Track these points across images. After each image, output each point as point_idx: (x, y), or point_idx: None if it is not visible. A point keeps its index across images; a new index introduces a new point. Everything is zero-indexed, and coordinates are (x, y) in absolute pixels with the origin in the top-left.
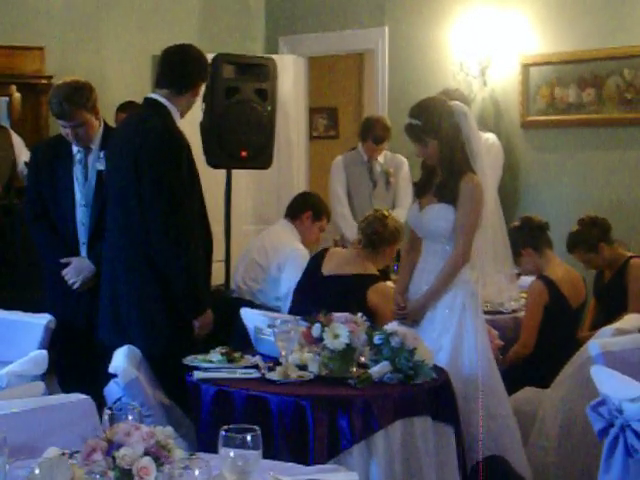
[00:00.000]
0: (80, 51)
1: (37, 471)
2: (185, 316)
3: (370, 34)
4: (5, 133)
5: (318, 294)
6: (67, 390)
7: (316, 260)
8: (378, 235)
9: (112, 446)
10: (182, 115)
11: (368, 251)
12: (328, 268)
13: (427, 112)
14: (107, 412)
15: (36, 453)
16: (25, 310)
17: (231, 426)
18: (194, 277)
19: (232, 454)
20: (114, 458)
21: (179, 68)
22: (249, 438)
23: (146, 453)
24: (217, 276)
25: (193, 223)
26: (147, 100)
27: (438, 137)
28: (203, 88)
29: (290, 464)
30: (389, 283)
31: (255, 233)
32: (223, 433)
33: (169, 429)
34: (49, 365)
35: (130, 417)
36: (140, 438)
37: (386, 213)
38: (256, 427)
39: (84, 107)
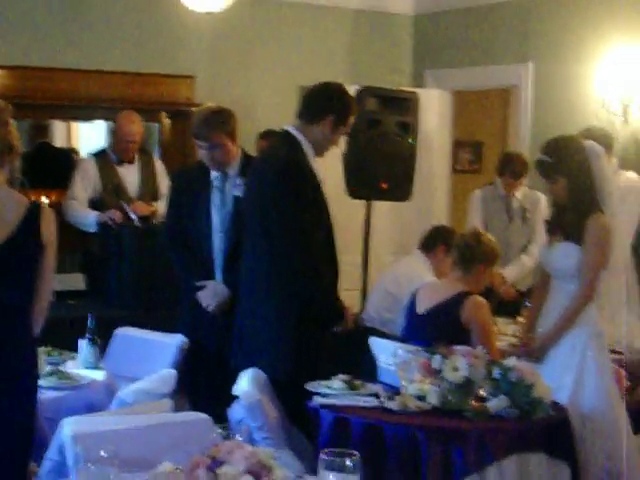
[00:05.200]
0: (228, 80)
1: None
2: (326, 327)
3: (514, 70)
4: (149, 157)
5: (417, 336)
6: (196, 409)
7: (411, 300)
8: (470, 250)
9: (215, 463)
10: (318, 148)
11: (460, 271)
12: (422, 305)
13: (558, 150)
14: (218, 431)
15: (152, 467)
16: (161, 330)
17: (331, 449)
18: (327, 290)
19: (331, 477)
20: (216, 475)
21: (309, 99)
22: (348, 462)
23: (247, 471)
24: (353, 305)
25: (318, 253)
26: (282, 131)
27: (567, 175)
28: (345, 126)
29: None
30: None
31: (394, 264)
32: (323, 456)
33: (271, 450)
34: (180, 384)
35: (238, 437)
36: (242, 457)
37: (482, 232)
38: (355, 452)
39: (222, 130)
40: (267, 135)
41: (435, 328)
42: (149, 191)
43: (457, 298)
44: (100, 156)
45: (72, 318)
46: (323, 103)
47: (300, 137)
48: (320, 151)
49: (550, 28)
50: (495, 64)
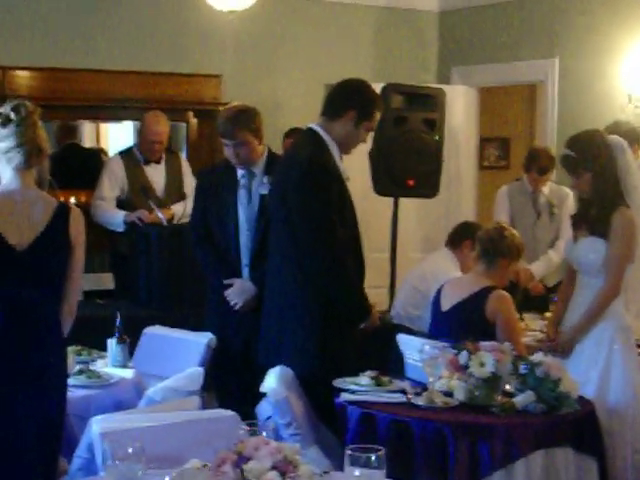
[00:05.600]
0: (255, 79)
1: (167, 479)
2: (352, 324)
3: (541, 66)
4: (175, 157)
5: (443, 332)
6: (225, 407)
7: (436, 297)
8: (494, 244)
9: (241, 459)
10: (343, 145)
11: (484, 266)
12: (446, 301)
13: (583, 144)
14: (245, 428)
15: (180, 464)
16: (189, 328)
17: (357, 445)
18: (353, 288)
19: (357, 473)
20: (242, 471)
21: (331, 96)
22: (373, 458)
23: (273, 467)
24: (381, 302)
25: (343, 251)
26: (306, 129)
27: (592, 170)
28: (370, 122)
29: None
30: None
31: (421, 261)
32: (349, 452)
33: (296, 446)
34: (208, 382)
35: (264, 433)
36: (268, 453)
37: (505, 226)
38: (381, 447)
39: (247, 128)
40: (293, 133)
41: (460, 324)
42: (175, 190)
43: (481, 293)
44: (127, 156)
45: (101, 317)
46: (344, 98)
47: (324, 135)
48: (345, 148)
49: (576, 23)
50: (521, 60)
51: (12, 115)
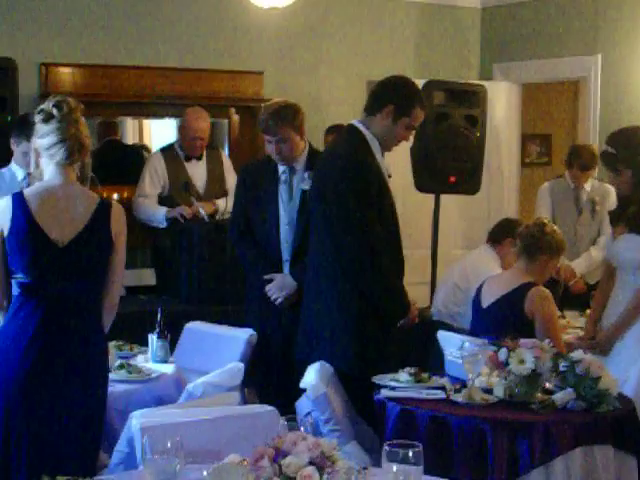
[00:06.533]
0: (297, 75)
1: (205, 473)
2: (391, 321)
3: (583, 62)
4: (216, 153)
5: (483, 329)
6: (265, 402)
7: (477, 293)
8: (534, 240)
9: (279, 454)
10: (384, 142)
11: (524, 262)
12: (486, 298)
13: (623, 141)
14: (283, 423)
15: (219, 459)
16: (229, 323)
17: (394, 441)
18: (391, 284)
19: (395, 469)
20: (280, 466)
21: (372, 92)
22: (411, 454)
23: (311, 462)
24: (422, 298)
25: (382, 248)
26: (347, 125)
27: (632, 167)
28: (410, 118)
29: None
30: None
31: (462, 258)
32: (386, 448)
33: (334, 441)
34: (250, 378)
35: (302, 428)
36: (306, 448)
37: (546, 222)
38: (418, 443)
39: (289, 124)
40: (334, 130)
41: (499, 320)
42: (217, 187)
43: (520, 289)
44: (168, 152)
45: (142, 313)
46: (383, 93)
47: (365, 131)
48: (386, 145)
49: (619, 19)
50: (563, 56)
51: (54, 111)
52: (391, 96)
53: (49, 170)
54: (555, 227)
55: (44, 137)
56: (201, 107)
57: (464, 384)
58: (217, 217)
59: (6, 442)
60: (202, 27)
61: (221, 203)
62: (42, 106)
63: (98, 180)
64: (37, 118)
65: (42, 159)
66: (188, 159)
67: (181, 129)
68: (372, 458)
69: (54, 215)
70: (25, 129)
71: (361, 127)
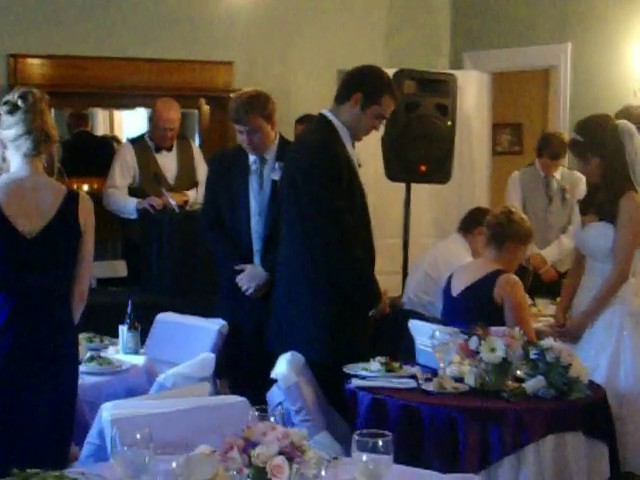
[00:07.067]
0: (267, 65)
1: (174, 465)
2: (363, 310)
3: (553, 50)
4: (187, 144)
5: (454, 317)
6: (237, 393)
7: (447, 283)
8: (502, 228)
9: (248, 444)
10: (353, 131)
11: (493, 250)
12: (456, 287)
13: (591, 129)
14: (254, 414)
15: (190, 450)
16: (200, 314)
17: (364, 431)
18: (363, 274)
19: (364, 458)
20: (249, 456)
21: (341, 81)
22: (381, 443)
23: (280, 452)
24: (393, 287)
25: (352, 237)
26: (318, 115)
27: (600, 155)
28: (379, 106)
29: (425, 471)
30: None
31: (433, 247)
32: (356, 437)
33: (304, 431)
34: (221, 368)
35: (272, 419)
36: (275, 438)
37: (513, 210)
38: (388, 432)
39: (260, 114)
40: (304, 120)
41: (469, 308)
42: (187, 177)
43: (490, 277)
44: (138, 143)
45: (113, 304)
46: (352, 81)
47: (335, 120)
48: (356, 134)
49: (588, 7)
50: (534, 45)
51: (19, 102)
52: (359, 84)
53: (15, 162)
54: (522, 215)
55: (10, 128)
56: (171, 98)
57: (435, 373)
58: (187, 208)
59: None
60: (172, 17)
61: (192, 194)
62: (7, 97)
63: (67, 171)
64: (2, 110)
65: (8, 151)
66: (158, 150)
67: (151, 120)
68: (344, 448)
69: (22, 207)
70: None
71: (331, 116)
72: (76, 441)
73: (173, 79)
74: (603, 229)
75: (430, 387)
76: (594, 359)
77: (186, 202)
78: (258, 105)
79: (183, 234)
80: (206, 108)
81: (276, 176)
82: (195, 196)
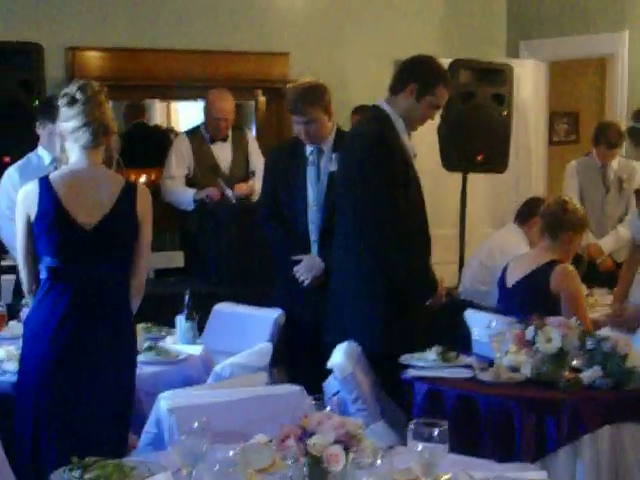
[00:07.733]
0: (323, 56)
1: (231, 453)
2: (419, 300)
3: (610, 39)
4: (242, 134)
5: (510, 307)
6: (294, 383)
7: (502, 273)
8: (556, 218)
9: (305, 433)
10: (408, 121)
11: (548, 240)
12: (511, 278)
13: None
14: (311, 402)
15: (247, 439)
16: (258, 304)
17: (419, 420)
18: (417, 263)
19: (420, 447)
20: (306, 445)
21: (396, 72)
22: (436, 432)
23: (336, 442)
24: (449, 277)
25: (407, 227)
26: (372, 106)
27: None
28: (433, 97)
29: (480, 460)
30: None
31: (489, 237)
32: (411, 426)
33: (360, 420)
34: (279, 358)
35: (328, 408)
36: (331, 427)
37: (567, 199)
38: (444, 422)
39: (317, 104)
40: (360, 110)
41: (525, 299)
42: (242, 168)
43: (545, 267)
44: (193, 135)
45: (171, 295)
46: (406, 72)
47: (390, 111)
48: (411, 124)
49: None
50: (591, 33)
51: (78, 95)
52: (414, 74)
53: (74, 154)
54: (577, 204)
55: (68, 121)
56: (227, 89)
57: (491, 363)
58: (249, 198)
59: (36, 424)
60: (228, 9)
61: (251, 185)
62: (66, 90)
63: (124, 163)
64: (61, 102)
65: (67, 143)
66: (213, 141)
67: (205, 111)
68: (400, 437)
69: (80, 199)
70: (50, 111)
71: (385, 107)
72: (134, 430)
73: (229, 70)
74: None
75: (486, 377)
76: None
77: (247, 196)
78: (315, 96)
79: (239, 225)
80: (262, 99)
81: (333, 167)
82: (253, 188)
